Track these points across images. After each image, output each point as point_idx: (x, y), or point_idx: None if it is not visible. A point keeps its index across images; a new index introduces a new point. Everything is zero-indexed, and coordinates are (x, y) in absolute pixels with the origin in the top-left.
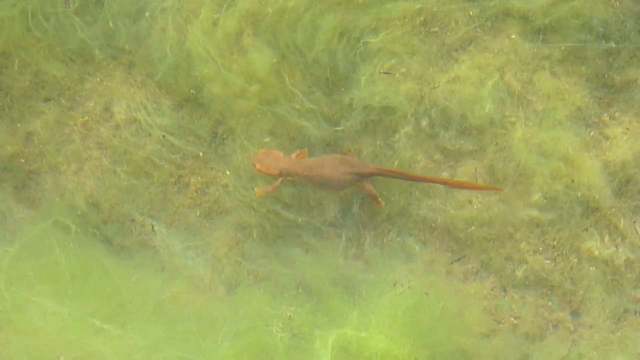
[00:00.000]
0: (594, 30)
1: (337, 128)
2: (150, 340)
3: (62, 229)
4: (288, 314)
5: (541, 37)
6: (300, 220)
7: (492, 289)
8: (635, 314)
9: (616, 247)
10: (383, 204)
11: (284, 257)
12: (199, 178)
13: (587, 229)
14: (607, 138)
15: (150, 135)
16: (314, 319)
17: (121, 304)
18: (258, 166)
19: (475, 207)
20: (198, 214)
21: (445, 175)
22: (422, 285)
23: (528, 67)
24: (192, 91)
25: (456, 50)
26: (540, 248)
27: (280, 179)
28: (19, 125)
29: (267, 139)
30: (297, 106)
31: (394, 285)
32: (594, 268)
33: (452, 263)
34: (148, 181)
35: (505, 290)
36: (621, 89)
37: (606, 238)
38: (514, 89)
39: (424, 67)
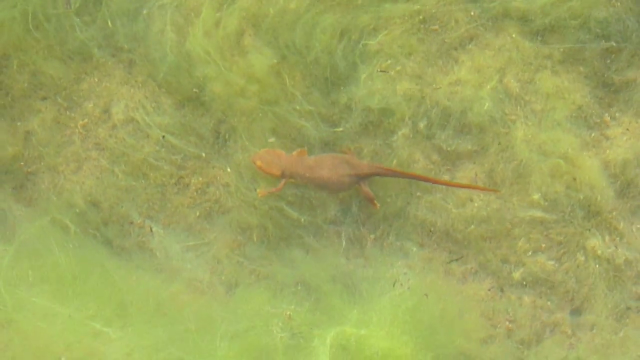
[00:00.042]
0: (592, 31)
1: (336, 129)
2: (150, 340)
3: (61, 229)
4: (288, 312)
5: (539, 38)
6: (302, 220)
7: (489, 289)
8: (638, 311)
9: (616, 246)
10: (378, 205)
11: (285, 257)
12: (200, 178)
13: (589, 230)
14: (607, 138)
15: (148, 136)
16: (313, 318)
17: (121, 304)
18: (259, 163)
19: (476, 204)
20: (198, 214)
21: (446, 177)
22: (421, 285)
23: (530, 67)
24: (194, 89)
25: (455, 49)
26: (543, 245)
27: (283, 181)
28: (19, 124)
29: (272, 139)
30: (297, 107)
31: (393, 285)
32: (597, 266)
33: (449, 262)
34: (146, 182)
35: (502, 291)
36: (621, 89)
37: (607, 238)
38: (514, 89)
39: (425, 67)
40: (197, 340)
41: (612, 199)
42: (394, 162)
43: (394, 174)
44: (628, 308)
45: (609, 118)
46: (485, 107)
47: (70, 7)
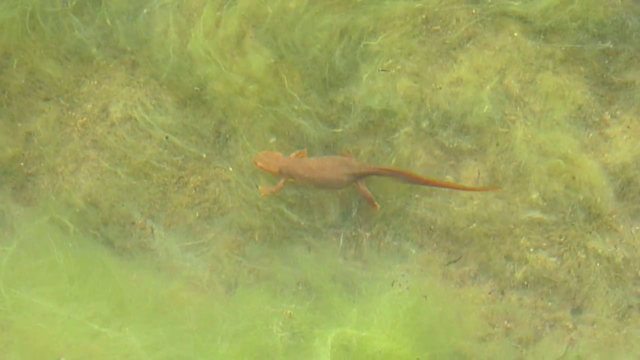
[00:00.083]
0: (590, 32)
1: (335, 130)
2: (150, 339)
3: (61, 229)
4: (288, 312)
5: (542, 37)
6: (302, 222)
7: (490, 292)
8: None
9: (615, 246)
10: (378, 206)
11: (286, 256)
12: (200, 177)
13: (590, 232)
14: (606, 139)
15: (150, 136)
16: (313, 317)
17: (120, 304)
18: (259, 164)
19: (475, 202)
20: (197, 215)
21: (449, 178)
22: (420, 287)
23: (531, 67)
24: (195, 88)
25: (454, 49)
26: (544, 244)
27: (282, 179)
28: (19, 125)
29: (273, 139)
30: (296, 107)
31: (392, 285)
32: (598, 264)
33: (448, 264)
34: (148, 182)
35: (503, 293)
36: (622, 88)
37: (607, 239)
38: (515, 89)
39: (425, 68)
40: (198, 339)
41: (612, 201)
42: (393, 161)
43: (393, 173)
44: (630, 306)
45: (609, 116)
46: (485, 110)
47: (67, 5)
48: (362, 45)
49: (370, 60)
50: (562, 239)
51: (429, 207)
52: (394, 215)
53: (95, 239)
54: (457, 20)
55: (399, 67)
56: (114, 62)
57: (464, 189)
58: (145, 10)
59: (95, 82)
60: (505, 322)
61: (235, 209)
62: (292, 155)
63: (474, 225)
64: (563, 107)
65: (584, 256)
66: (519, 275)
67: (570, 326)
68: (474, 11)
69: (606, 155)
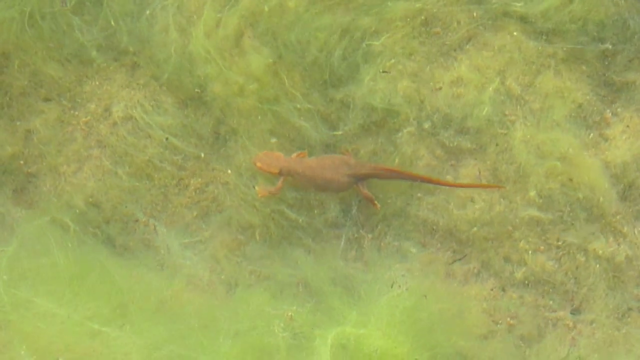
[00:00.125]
0: (590, 33)
1: (335, 132)
2: (151, 338)
3: (61, 228)
4: (289, 313)
5: (544, 37)
6: (301, 220)
7: (492, 289)
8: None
9: (618, 245)
10: (379, 206)
11: (286, 258)
12: (200, 179)
13: (593, 233)
14: (606, 139)
15: (150, 136)
16: (314, 319)
17: (122, 302)
18: (259, 164)
19: (477, 206)
20: (195, 214)
21: (449, 178)
22: (421, 286)
23: (532, 68)
24: (196, 90)
25: (455, 50)
26: (542, 247)
27: (282, 179)
28: (18, 123)
29: (274, 140)
30: (299, 105)
31: (391, 286)
32: (598, 265)
33: (452, 263)
34: (150, 183)
35: (504, 290)
36: (623, 88)
37: (611, 240)
38: (518, 86)
39: (425, 68)
40: (200, 338)
41: (615, 201)
42: (396, 161)
43: (394, 174)
44: (630, 309)
45: (610, 114)
46: (484, 112)
47: (66, 5)
48: (364, 45)
49: (372, 60)
50: (560, 243)
51: (431, 209)
52: (394, 216)
53: (96, 238)
54: (458, 23)
55: (400, 67)
56: (114, 64)
57: (468, 186)
58: (148, 12)
59: (97, 83)
60: (508, 319)
61: (234, 208)
62: (294, 155)
63: (475, 229)
64: (563, 107)
65: (582, 259)
66: (519, 275)
67: (571, 325)
68: (475, 14)
69: (607, 153)
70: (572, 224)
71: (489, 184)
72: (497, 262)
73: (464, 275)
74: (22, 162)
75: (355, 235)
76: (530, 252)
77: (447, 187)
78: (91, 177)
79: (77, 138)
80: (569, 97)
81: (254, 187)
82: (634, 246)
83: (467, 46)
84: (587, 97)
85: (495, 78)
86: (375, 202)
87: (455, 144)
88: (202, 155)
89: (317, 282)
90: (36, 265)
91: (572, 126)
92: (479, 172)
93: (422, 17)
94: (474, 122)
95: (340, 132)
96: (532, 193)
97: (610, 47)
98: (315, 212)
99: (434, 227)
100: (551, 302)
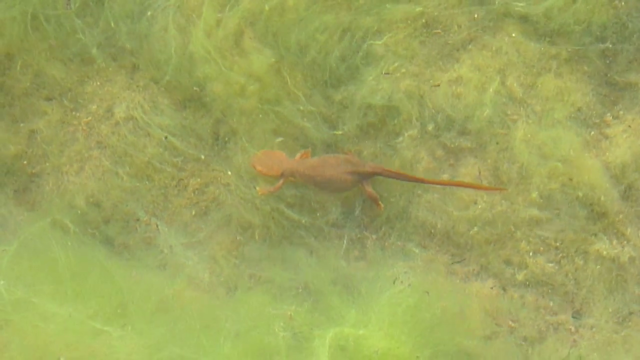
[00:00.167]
0: (593, 34)
1: (335, 132)
2: (152, 339)
3: (61, 228)
4: (289, 313)
5: (547, 39)
6: (303, 220)
7: (492, 288)
8: None
9: (622, 247)
10: (382, 206)
11: (287, 259)
12: (199, 179)
13: (595, 234)
14: (607, 138)
15: (149, 135)
16: (312, 319)
17: (122, 303)
18: (259, 168)
19: (479, 207)
20: (194, 213)
21: (444, 176)
22: (423, 283)
23: (532, 70)
24: (195, 88)
25: (457, 50)
26: (542, 248)
27: (282, 179)
28: (21, 125)
29: (280, 139)
30: (301, 107)
31: (394, 282)
32: (599, 267)
33: (452, 264)
34: (150, 184)
35: (504, 290)
36: (626, 88)
37: (614, 242)
38: (520, 87)
39: (426, 69)
40: (201, 338)
41: (616, 201)
42: (397, 163)
43: (396, 175)
44: (631, 312)
45: (610, 117)
46: (486, 113)
47: (71, 7)
48: (366, 45)
49: (374, 60)
50: (558, 244)
51: (431, 209)
52: (397, 217)
53: (95, 238)
54: (459, 26)
55: (403, 70)
56: (114, 65)
57: (471, 186)
58: (149, 13)
59: (98, 84)
60: (510, 322)
61: (234, 207)
62: (297, 156)
63: (475, 229)
64: (564, 108)
65: (581, 262)
66: (520, 277)
67: (573, 330)
68: (476, 16)
69: (607, 154)
70: (572, 224)
71: (492, 186)
72: (497, 265)
73: (466, 275)
74: (25, 162)
75: (358, 236)
76: (531, 253)
77: (449, 188)
78: (92, 177)
79: (79, 138)
80: (569, 100)
81: (254, 187)
82: (635, 247)
83: (470, 46)
84: (588, 98)
85: (496, 78)
86: (380, 202)
87: (456, 144)
88: (203, 157)
89: (317, 283)
90: (37, 264)
91: (573, 124)
92: (479, 172)
93: (423, 20)
94: (475, 124)
95: (340, 132)
96: (535, 194)
97: (610, 46)
98: (318, 214)
99: (432, 231)
100: (551, 304)
